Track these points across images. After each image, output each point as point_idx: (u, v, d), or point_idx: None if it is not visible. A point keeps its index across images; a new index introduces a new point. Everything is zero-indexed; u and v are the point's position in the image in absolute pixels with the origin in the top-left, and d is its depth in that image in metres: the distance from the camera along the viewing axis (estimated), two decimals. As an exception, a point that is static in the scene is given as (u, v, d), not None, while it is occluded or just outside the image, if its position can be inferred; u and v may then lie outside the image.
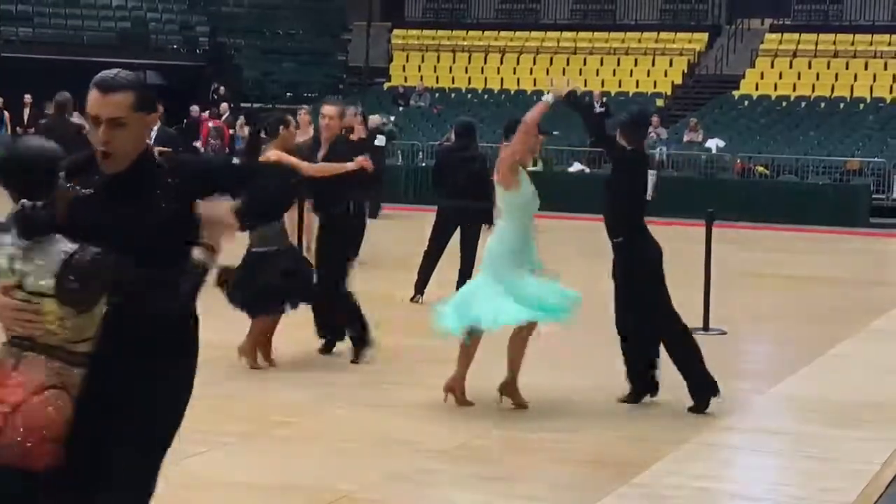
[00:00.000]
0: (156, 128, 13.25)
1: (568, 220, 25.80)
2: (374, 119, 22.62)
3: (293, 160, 8.82)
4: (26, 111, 31.47)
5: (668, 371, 8.91)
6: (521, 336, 8.39)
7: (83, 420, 3.82)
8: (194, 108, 32.60)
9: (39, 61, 35.33)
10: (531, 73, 37.38)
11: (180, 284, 3.85)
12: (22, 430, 3.71)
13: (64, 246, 3.77)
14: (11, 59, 35.79)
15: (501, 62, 38.09)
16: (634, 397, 8.75)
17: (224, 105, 33.19)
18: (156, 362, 3.93)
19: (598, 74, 36.57)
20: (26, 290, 3.80)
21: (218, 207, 3.87)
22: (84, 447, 3.81)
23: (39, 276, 3.78)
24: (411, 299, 12.92)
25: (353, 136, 13.43)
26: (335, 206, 9.89)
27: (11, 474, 3.74)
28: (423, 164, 28.64)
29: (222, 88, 35.50)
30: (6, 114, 31.54)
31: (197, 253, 3.87)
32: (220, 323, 8.86)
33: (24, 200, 3.81)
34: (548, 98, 8.63)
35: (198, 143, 30.26)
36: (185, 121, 31.46)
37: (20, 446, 3.72)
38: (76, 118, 14.11)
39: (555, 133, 32.55)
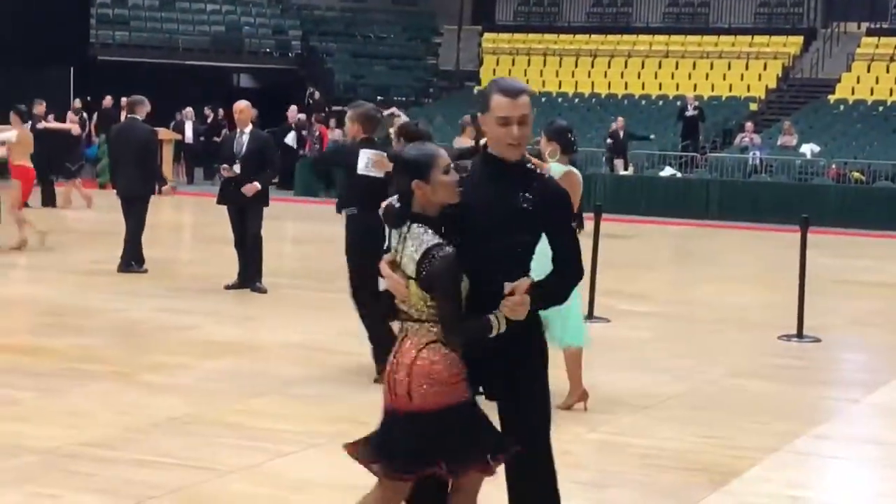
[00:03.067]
0: (248, 129, 13.37)
1: (659, 224, 25.64)
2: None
3: None
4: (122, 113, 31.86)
5: (764, 381, 8.82)
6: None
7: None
8: (292, 110, 32.83)
9: (135, 65, 35.87)
10: (622, 76, 37.23)
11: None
12: (414, 381, 4.52)
13: (429, 239, 4.48)
14: (108, 62, 36.37)
15: (592, 66, 37.98)
16: None
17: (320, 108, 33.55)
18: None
19: (690, 78, 36.32)
20: (402, 271, 4.53)
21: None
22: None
23: (407, 262, 4.51)
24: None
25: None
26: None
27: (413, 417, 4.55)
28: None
29: (317, 93, 35.80)
30: (84, 115, 31.87)
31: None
32: (310, 324, 8.98)
33: (392, 198, 4.60)
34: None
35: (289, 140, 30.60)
36: (283, 123, 31.74)
37: (418, 394, 4.52)
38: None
39: (651, 137, 32.57)
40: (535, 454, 4.75)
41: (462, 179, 4.60)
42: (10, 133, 16.49)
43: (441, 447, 4.52)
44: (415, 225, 4.54)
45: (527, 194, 4.59)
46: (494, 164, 4.66)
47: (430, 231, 4.52)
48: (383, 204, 4.72)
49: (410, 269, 4.50)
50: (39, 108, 22.93)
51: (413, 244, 4.51)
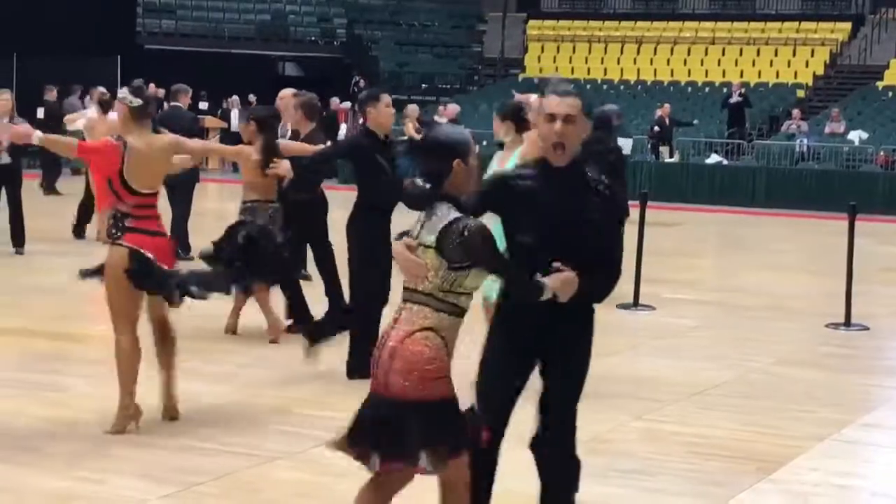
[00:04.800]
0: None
1: (705, 212, 25.51)
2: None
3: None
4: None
5: (811, 369, 8.75)
6: None
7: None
8: (334, 100, 32.90)
9: (181, 53, 36.03)
10: (668, 63, 37.02)
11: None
12: (399, 368, 4.55)
13: (451, 212, 4.55)
14: (154, 50, 36.55)
15: (638, 53, 37.78)
16: None
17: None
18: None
19: (736, 65, 36.07)
20: (419, 244, 4.62)
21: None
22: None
23: (428, 233, 4.58)
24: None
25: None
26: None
27: (387, 402, 4.59)
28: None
29: (362, 81, 35.83)
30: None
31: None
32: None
33: (414, 179, 4.63)
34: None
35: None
36: (324, 112, 31.74)
37: (396, 382, 4.55)
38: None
39: (695, 123, 32.36)
40: (564, 422, 5.06)
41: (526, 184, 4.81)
42: (81, 120, 16.37)
43: (421, 439, 4.54)
44: (442, 203, 4.60)
45: (595, 199, 4.83)
46: (552, 170, 4.85)
47: (454, 209, 4.58)
48: (406, 183, 4.73)
49: (430, 239, 4.56)
50: (50, 94, 22.63)
51: (436, 219, 4.58)
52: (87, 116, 16.58)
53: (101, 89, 17.27)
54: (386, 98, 8.77)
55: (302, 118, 10.21)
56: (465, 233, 4.51)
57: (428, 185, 4.58)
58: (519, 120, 8.19)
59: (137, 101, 7.37)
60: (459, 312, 4.66)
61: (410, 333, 4.58)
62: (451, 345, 4.66)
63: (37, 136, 7.38)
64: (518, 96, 8.76)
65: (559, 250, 4.74)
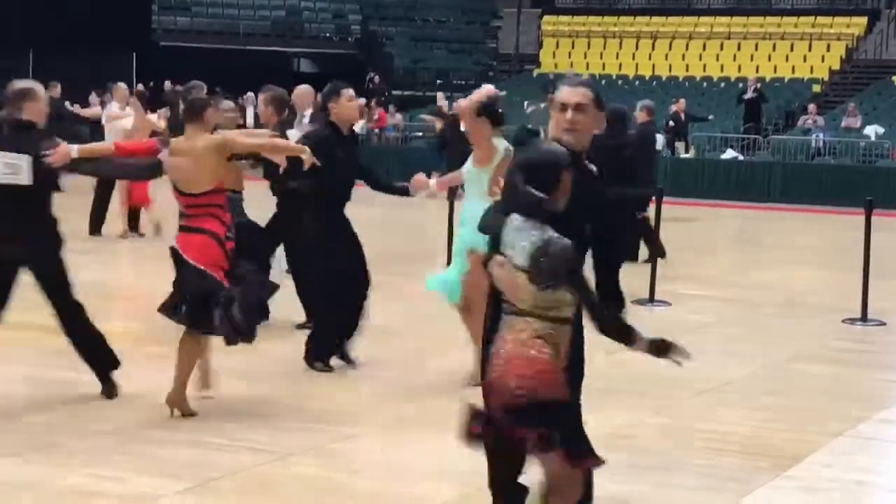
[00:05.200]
0: (308, 113, 13.37)
1: (721, 207, 25.46)
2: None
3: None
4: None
5: (827, 364, 8.72)
6: None
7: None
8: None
9: (196, 50, 36.09)
10: (683, 59, 36.96)
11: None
12: (512, 372, 4.61)
13: (541, 233, 4.60)
14: (170, 47, 36.62)
15: (653, 48, 37.72)
16: None
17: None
18: None
19: (752, 60, 36.00)
20: (513, 265, 4.64)
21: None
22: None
23: (521, 256, 4.61)
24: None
25: None
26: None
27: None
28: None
29: (377, 77, 35.84)
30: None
31: None
32: (371, 306, 8.99)
33: (536, 192, 4.65)
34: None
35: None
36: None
37: (512, 388, 4.60)
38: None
39: (710, 118, 32.27)
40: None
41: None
42: (127, 120, 16.27)
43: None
44: (535, 221, 4.65)
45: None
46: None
47: (548, 227, 4.64)
48: (520, 189, 4.74)
49: (521, 262, 4.62)
50: (54, 90, 22.55)
51: (527, 241, 4.62)
52: (130, 116, 16.40)
53: (140, 87, 17.09)
54: (347, 92, 8.96)
55: (273, 113, 10.34)
56: (549, 256, 4.56)
57: (542, 195, 4.64)
58: (494, 115, 8.28)
59: (187, 104, 7.53)
60: (564, 321, 4.71)
61: (522, 343, 4.64)
62: (562, 350, 4.70)
63: (73, 150, 7.44)
64: (440, 101, 8.98)
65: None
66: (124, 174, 9.21)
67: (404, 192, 9.10)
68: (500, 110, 8.38)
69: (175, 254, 7.39)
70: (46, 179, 7.46)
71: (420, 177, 8.87)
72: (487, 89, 8.73)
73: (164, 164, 7.45)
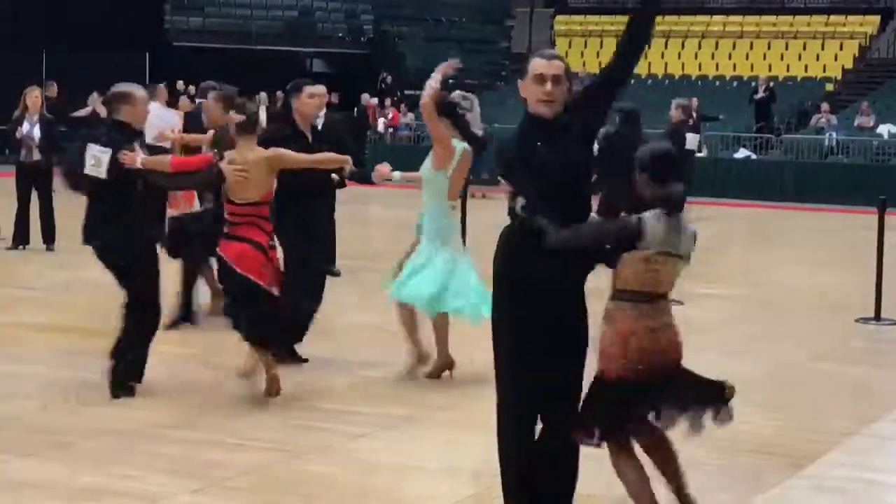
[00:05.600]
0: (322, 113, 13.37)
1: (734, 206, 25.41)
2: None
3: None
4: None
5: (841, 364, 8.69)
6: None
7: None
8: (364, 96, 32.95)
9: (209, 50, 36.12)
10: (696, 57, 36.90)
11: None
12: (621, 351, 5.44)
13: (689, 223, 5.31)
14: (182, 47, 36.66)
15: (666, 47, 37.67)
16: None
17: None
18: None
19: (765, 59, 35.92)
20: (655, 252, 5.25)
21: None
22: None
23: (685, 244, 5.32)
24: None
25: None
26: None
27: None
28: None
29: (389, 77, 35.84)
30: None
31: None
32: (384, 306, 8.98)
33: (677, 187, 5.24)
34: None
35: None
36: (355, 108, 31.86)
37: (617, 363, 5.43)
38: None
39: (720, 117, 32.24)
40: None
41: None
42: (173, 117, 16.04)
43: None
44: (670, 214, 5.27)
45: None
46: (539, 123, 5.20)
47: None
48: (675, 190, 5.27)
49: (686, 249, 5.35)
50: (50, 90, 22.48)
51: (686, 229, 5.32)
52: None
53: (162, 86, 16.83)
54: (309, 89, 9.12)
55: (221, 112, 10.37)
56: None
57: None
58: (452, 113, 8.41)
59: (240, 118, 7.85)
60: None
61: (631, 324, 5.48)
62: None
63: (140, 160, 7.71)
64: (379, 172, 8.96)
65: (557, 197, 5.09)
66: (191, 185, 9.33)
67: (364, 179, 9.18)
68: (460, 111, 8.46)
69: (220, 261, 7.76)
70: (121, 178, 7.75)
71: (383, 167, 8.86)
72: (449, 63, 8.82)
73: (223, 171, 7.70)
